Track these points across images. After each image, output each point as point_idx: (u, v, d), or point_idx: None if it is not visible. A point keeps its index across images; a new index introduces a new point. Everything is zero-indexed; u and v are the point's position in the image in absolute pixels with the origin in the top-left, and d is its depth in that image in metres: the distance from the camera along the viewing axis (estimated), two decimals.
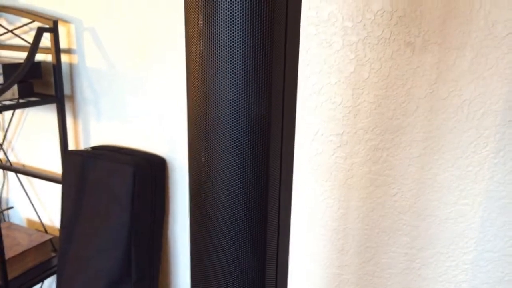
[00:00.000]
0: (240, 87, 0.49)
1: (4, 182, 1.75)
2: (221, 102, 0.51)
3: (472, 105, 0.88)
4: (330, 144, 1.05)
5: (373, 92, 0.97)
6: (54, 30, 1.34)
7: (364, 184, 1.03)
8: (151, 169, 1.29)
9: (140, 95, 1.30)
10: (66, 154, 1.38)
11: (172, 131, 1.28)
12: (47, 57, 1.44)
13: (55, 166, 1.57)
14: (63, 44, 1.41)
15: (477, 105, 0.87)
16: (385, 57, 0.93)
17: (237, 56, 0.48)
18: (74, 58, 1.41)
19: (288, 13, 0.48)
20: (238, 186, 0.55)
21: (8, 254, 1.38)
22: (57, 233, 1.63)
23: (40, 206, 1.67)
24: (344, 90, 1.00)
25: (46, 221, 1.67)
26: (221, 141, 0.54)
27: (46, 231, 1.65)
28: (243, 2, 0.46)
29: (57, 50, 1.35)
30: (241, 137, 0.53)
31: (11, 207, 1.74)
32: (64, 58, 1.42)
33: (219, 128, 0.54)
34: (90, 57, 1.37)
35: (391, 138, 0.97)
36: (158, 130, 1.30)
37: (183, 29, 1.18)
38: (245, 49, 0.48)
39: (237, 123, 0.52)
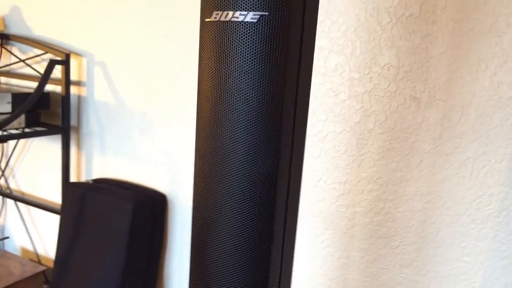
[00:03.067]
0: (248, 143, 0.50)
1: (2, 208, 1.74)
2: (229, 156, 0.52)
3: (476, 162, 0.88)
4: (333, 191, 1.04)
5: (378, 143, 0.97)
6: (65, 63, 1.36)
7: (366, 235, 1.02)
8: (152, 205, 1.28)
9: (146, 132, 1.31)
10: (67, 186, 1.38)
11: (175, 168, 1.28)
12: (56, 88, 1.47)
13: (55, 197, 1.56)
14: (73, 76, 1.43)
15: (481, 163, 0.87)
16: (390, 110, 0.95)
17: (247, 113, 0.49)
18: (83, 91, 1.43)
19: (300, 77, 0.49)
20: (242, 240, 0.55)
21: (0, 284, 1.36)
22: (51, 265, 1.60)
23: (36, 236, 1.65)
24: (348, 139, 1.00)
25: (41, 251, 1.64)
26: (227, 195, 0.54)
27: (40, 262, 1.62)
28: (256, 60, 0.47)
29: (67, 82, 1.38)
30: (247, 192, 0.53)
31: (7, 237, 1.72)
32: (73, 89, 1.44)
33: (225, 180, 0.54)
34: (99, 91, 1.39)
35: (394, 190, 0.97)
36: (161, 167, 1.30)
37: (196, 71, 1.20)
38: (256, 107, 0.48)
39: (243, 178, 0.52)
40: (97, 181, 1.39)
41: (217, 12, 0.45)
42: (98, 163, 1.43)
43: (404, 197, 0.96)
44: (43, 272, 1.49)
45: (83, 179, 1.48)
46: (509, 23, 0.82)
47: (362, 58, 0.96)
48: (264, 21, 0.43)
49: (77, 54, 1.41)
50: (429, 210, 0.94)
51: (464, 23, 0.85)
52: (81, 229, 1.31)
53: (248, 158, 0.51)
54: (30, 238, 1.64)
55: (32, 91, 1.36)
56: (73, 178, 1.49)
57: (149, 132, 1.31)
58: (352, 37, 0.96)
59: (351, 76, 0.97)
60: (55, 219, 1.56)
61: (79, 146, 1.47)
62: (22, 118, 1.37)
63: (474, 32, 0.85)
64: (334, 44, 0.98)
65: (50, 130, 1.39)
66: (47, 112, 1.49)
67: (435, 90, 0.89)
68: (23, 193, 1.66)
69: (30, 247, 1.67)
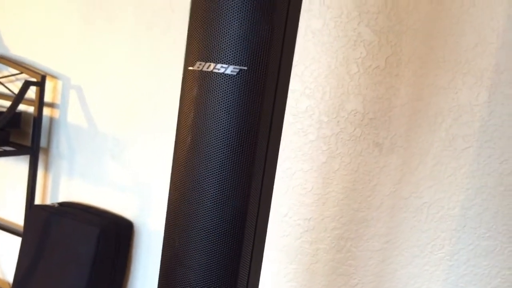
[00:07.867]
0: (221, 184, 0.53)
1: None
2: (202, 194, 0.55)
3: (431, 207, 0.94)
4: (298, 227, 1.08)
5: (342, 183, 1.02)
6: (41, 85, 1.37)
7: (327, 271, 1.05)
8: (117, 232, 1.28)
9: (117, 158, 1.32)
10: (32, 208, 1.36)
11: (144, 196, 1.29)
12: (29, 108, 1.46)
13: (18, 218, 1.53)
14: (47, 98, 1.43)
15: (436, 209, 0.94)
16: (355, 153, 1.00)
17: (222, 157, 0.52)
18: (56, 113, 1.43)
19: (272, 125, 0.53)
20: (208, 273, 0.57)
21: None
22: None
23: None
24: (315, 178, 1.05)
25: None
26: (196, 228, 0.57)
27: None
28: (233, 109, 0.51)
29: (40, 103, 1.38)
30: (217, 227, 0.56)
31: None
32: (46, 111, 1.44)
33: (196, 215, 0.57)
34: (73, 114, 1.39)
35: (355, 229, 1.02)
36: (130, 194, 1.31)
37: (172, 100, 1.23)
38: (230, 151, 0.52)
39: (214, 214, 0.55)
40: (63, 205, 1.37)
41: (200, 62, 0.49)
42: (65, 186, 1.42)
43: (364, 236, 1.01)
44: None
45: (48, 202, 1.46)
46: (465, 81, 0.90)
47: (331, 103, 1.02)
48: (243, 75, 0.48)
49: (53, 77, 1.42)
50: (387, 250, 0.99)
51: (425, 78, 0.93)
52: (43, 253, 1.28)
53: (220, 197, 0.55)
54: None
55: (4, 110, 1.35)
56: (38, 201, 1.46)
57: (120, 158, 1.32)
58: (323, 83, 1.02)
59: (320, 118, 1.03)
60: (17, 241, 1.52)
61: (47, 168, 1.46)
62: None
63: (433, 87, 0.92)
64: (306, 88, 1.04)
65: (18, 151, 1.37)
66: (17, 131, 1.48)
67: (396, 137, 0.96)
68: None
69: None
